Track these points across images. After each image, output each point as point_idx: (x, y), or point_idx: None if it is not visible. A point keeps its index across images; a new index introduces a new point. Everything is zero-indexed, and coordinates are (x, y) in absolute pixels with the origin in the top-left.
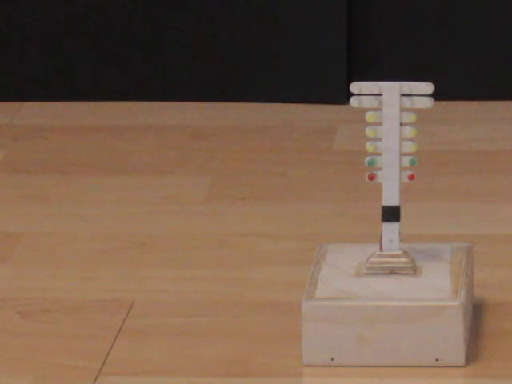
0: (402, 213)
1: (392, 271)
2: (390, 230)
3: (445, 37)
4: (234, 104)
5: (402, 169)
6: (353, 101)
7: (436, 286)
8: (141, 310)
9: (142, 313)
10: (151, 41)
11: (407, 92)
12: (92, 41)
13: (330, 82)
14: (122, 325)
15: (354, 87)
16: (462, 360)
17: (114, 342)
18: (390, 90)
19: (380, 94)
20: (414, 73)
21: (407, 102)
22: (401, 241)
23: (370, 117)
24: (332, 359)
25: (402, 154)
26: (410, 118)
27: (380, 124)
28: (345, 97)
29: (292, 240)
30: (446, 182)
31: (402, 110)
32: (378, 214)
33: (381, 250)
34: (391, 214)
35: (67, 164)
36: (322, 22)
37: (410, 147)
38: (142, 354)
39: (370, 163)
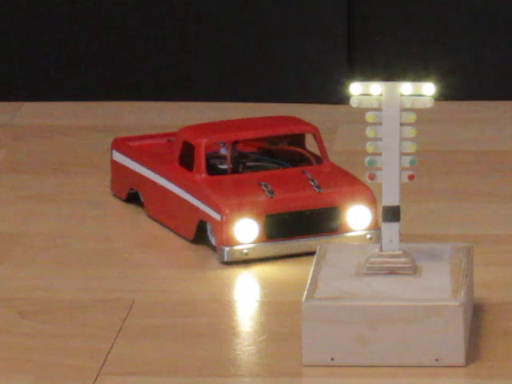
0: (402, 213)
1: (392, 271)
2: (390, 229)
3: (445, 37)
4: (234, 104)
5: (402, 169)
6: (353, 101)
7: (436, 286)
8: (141, 310)
9: (142, 313)
10: (151, 41)
11: (407, 92)
12: (92, 41)
13: (330, 82)
14: (122, 325)
15: (354, 87)
16: (461, 360)
17: (114, 342)
18: (390, 90)
19: (380, 94)
20: (414, 73)
21: (407, 102)
22: (401, 241)
23: (369, 117)
24: (332, 359)
25: (402, 154)
26: (409, 117)
27: (380, 124)
28: (345, 97)
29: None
30: (446, 182)
31: (402, 110)
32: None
33: (381, 249)
34: (391, 213)
35: (67, 164)
36: (322, 22)
37: (409, 147)
38: (141, 354)
39: (370, 163)
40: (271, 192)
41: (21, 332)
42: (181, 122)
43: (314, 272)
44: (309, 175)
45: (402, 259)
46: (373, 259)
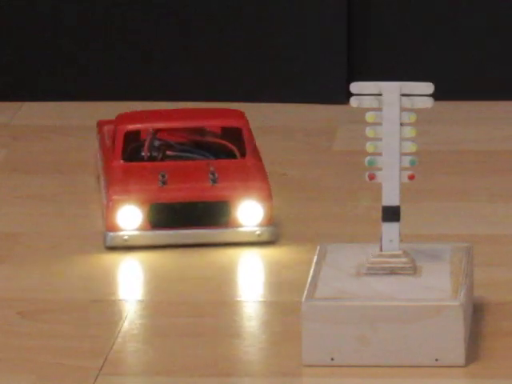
0: (402, 213)
1: (392, 271)
2: (390, 229)
3: (445, 37)
4: (234, 104)
5: (402, 169)
6: (353, 101)
7: (436, 286)
8: (141, 310)
9: (142, 313)
10: (151, 41)
11: (407, 92)
12: (92, 41)
13: (330, 82)
14: (122, 325)
15: (354, 87)
16: (462, 360)
17: (114, 342)
18: (390, 90)
19: (380, 94)
20: (413, 73)
21: (407, 102)
22: (401, 241)
23: (369, 117)
24: (332, 359)
25: (402, 154)
26: (409, 117)
27: (380, 124)
28: (345, 97)
29: (292, 240)
30: (446, 182)
31: (402, 110)
32: (378, 214)
33: (381, 250)
34: (391, 214)
35: (67, 164)
36: (322, 22)
37: (409, 147)
38: (142, 354)
39: (370, 163)
40: (165, 182)
41: (21, 332)
42: None
43: (314, 272)
44: (211, 168)
45: (402, 259)
46: (373, 259)
